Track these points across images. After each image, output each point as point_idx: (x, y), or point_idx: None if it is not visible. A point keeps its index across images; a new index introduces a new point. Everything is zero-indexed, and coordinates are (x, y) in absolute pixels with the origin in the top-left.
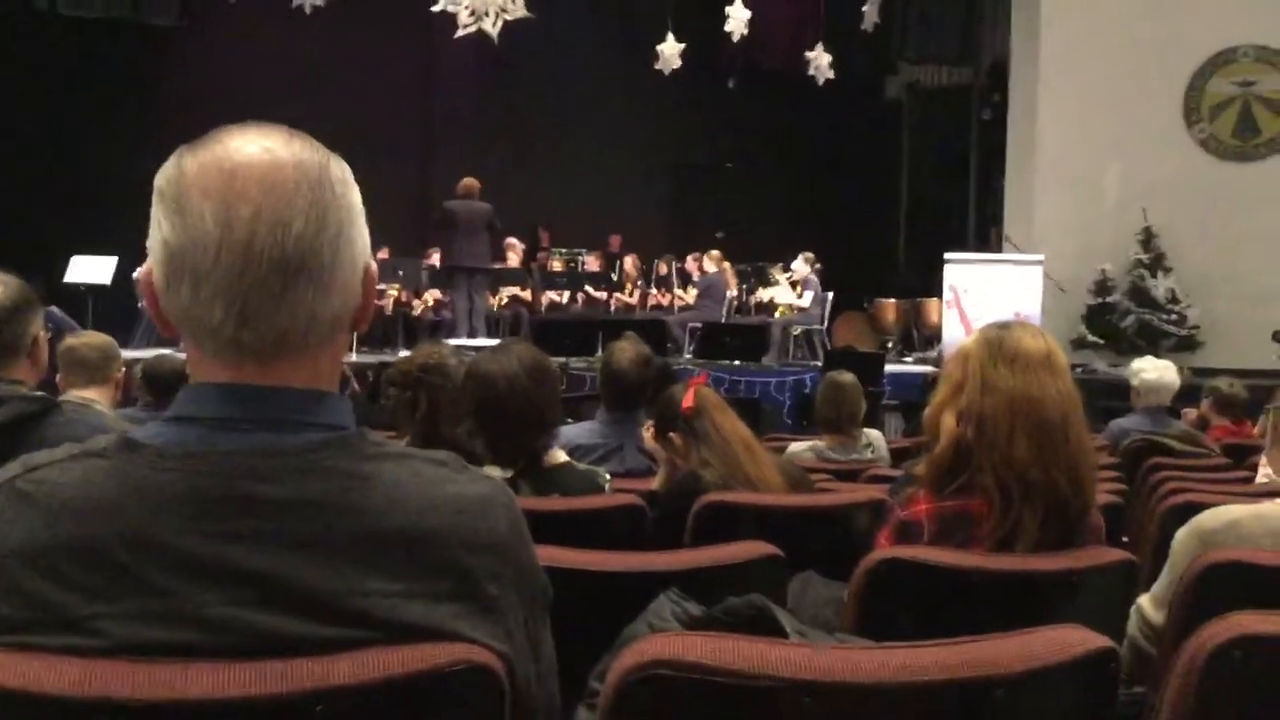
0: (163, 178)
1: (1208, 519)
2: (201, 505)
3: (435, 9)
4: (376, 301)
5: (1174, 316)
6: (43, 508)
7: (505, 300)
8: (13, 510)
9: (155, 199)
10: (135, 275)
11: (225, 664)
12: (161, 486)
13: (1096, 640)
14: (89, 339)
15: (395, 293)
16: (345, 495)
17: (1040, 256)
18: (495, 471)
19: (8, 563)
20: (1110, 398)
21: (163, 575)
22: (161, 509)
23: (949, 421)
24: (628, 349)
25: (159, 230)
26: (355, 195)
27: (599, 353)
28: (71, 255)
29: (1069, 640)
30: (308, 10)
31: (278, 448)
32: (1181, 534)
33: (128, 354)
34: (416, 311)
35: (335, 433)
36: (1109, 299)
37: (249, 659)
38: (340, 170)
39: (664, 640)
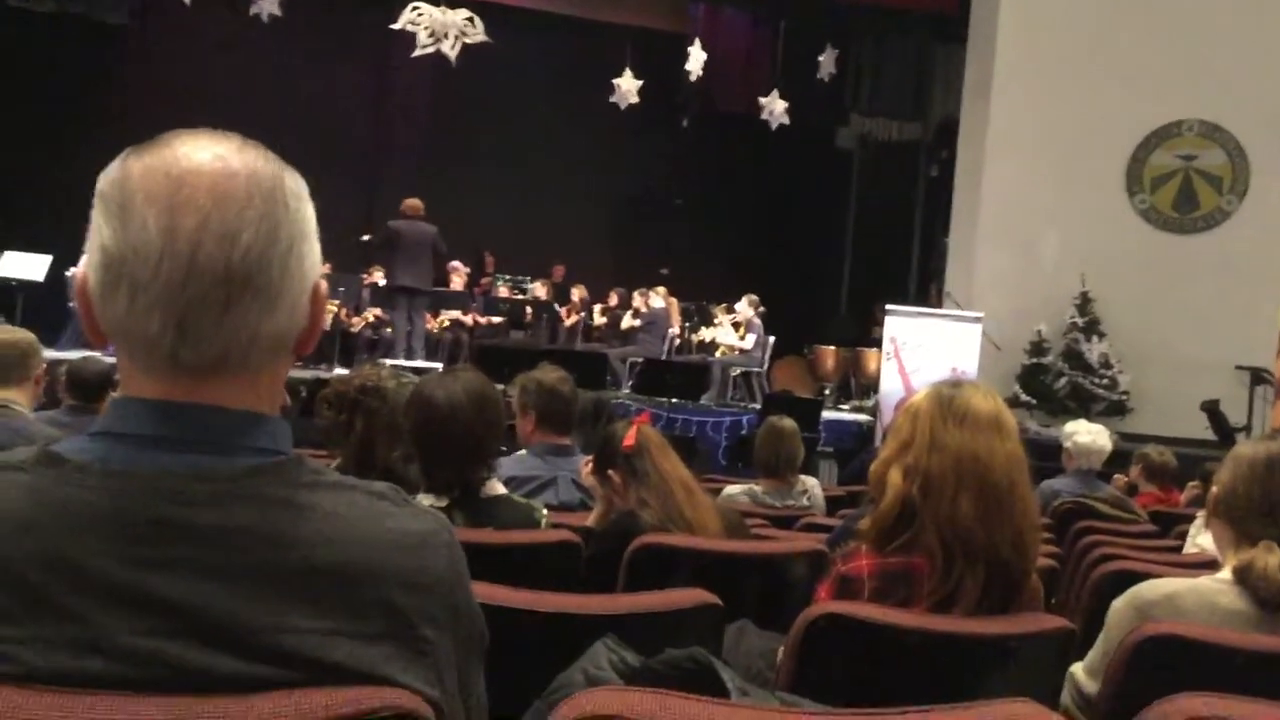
0: (106, 180)
1: (1146, 590)
2: (122, 527)
3: (395, 27)
4: None
5: (1106, 381)
6: None
7: (446, 323)
8: None
9: (97, 202)
10: (69, 274)
11: (131, 697)
12: (81, 506)
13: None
14: (7, 336)
15: (335, 309)
16: (276, 525)
17: (979, 314)
18: (429, 500)
19: None
20: (1040, 458)
21: (76, 600)
22: (79, 530)
23: (895, 478)
24: (550, 370)
25: (98, 235)
26: (309, 210)
27: None
28: (4, 250)
29: (1020, 715)
30: (265, 19)
31: (208, 471)
32: (1118, 604)
33: (55, 354)
34: (355, 329)
35: (271, 458)
36: (1043, 360)
37: (161, 693)
38: (295, 183)
39: (606, 695)
